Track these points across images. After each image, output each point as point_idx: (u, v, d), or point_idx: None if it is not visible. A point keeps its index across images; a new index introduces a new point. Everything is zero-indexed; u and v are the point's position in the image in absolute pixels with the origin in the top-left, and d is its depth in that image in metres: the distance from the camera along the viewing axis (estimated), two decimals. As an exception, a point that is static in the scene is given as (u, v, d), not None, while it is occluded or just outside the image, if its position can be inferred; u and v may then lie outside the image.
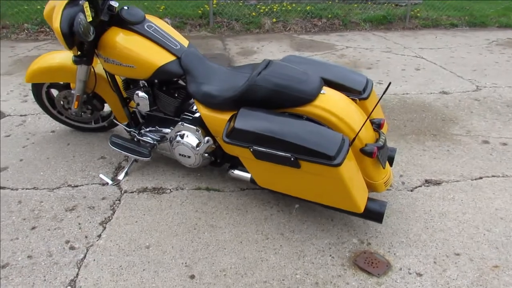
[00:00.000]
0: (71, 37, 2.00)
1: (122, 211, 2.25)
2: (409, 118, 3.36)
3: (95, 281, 1.83)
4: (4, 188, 2.42)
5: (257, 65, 2.13)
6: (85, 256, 1.95)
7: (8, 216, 2.20)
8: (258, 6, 6.60)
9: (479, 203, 2.35)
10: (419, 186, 2.49)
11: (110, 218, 2.20)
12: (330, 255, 1.98)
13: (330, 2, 6.93)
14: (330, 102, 2.00)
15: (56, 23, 1.97)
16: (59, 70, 2.58)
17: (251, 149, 1.88)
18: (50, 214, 2.22)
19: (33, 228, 2.12)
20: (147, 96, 2.33)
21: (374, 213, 1.98)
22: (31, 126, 3.14)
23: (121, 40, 2.18)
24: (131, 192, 2.41)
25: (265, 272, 1.89)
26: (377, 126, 2.12)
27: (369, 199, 2.01)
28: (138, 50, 2.16)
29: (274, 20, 6.32)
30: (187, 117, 2.36)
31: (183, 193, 2.41)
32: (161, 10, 6.24)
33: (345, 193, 1.84)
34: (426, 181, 2.55)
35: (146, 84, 2.34)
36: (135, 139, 2.53)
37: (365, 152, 1.96)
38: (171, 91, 2.35)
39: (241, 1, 6.76)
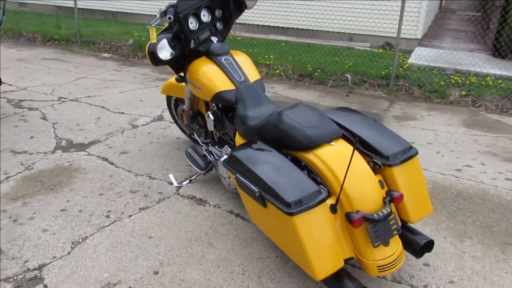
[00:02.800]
0: (154, 56, 2.54)
1: (161, 206, 2.62)
2: (539, 229, 2.51)
3: (96, 243, 2.24)
4: (113, 163, 3.18)
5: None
6: (108, 225, 2.40)
7: (97, 180, 2.90)
8: (452, 76, 6.05)
9: None
10: (464, 303, 1.90)
11: (149, 207, 2.60)
12: (283, 317, 1.79)
13: (551, 84, 5.67)
14: (332, 155, 1.85)
15: (147, 44, 2.56)
16: (180, 87, 3.22)
17: (235, 176, 1.93)
18: (118, 190, 2.79)
19: (101, 194, 2.73)
20: (212, 118, 2.66)
21: (340, 292, 1.68)
22: (169, 131, 3.93)
23: (200, 65, 2.60)
24: (181, 196, 2.75)
25: (210, 298, 1.88)
26: (391, 199, 1.81)
27: (348, 275, 1.73)
28: (207, 75, 2.52)
29: (464, 92, 5.65)
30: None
31: (216, 211, 2.59)
32: (346, 66, 6.53)
33: (300, 250, 1.65)
34: (483, 302, 1.91)
35: (215, 108, 2.68)
36: (202, 154, 2.88)
37: (347, 217, 1.71)
38: (232, 118, 2.61)
39: (436, 69, 6.33)
